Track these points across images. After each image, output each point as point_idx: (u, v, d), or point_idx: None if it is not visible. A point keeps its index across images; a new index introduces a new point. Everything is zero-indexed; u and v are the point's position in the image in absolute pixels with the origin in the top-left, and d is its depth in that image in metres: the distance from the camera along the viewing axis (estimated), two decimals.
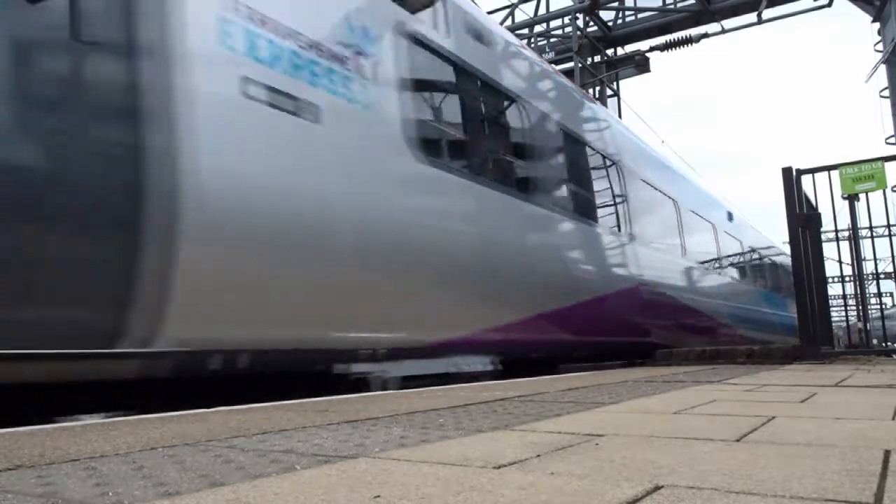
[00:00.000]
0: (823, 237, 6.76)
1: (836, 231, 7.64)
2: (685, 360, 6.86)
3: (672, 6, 14.87)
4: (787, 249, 14.35)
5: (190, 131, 3.05)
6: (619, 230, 7.52)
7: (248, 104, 3.33)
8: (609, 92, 15.81)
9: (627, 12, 15.60)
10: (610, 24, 15.74)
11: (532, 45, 14.90)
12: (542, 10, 15.62)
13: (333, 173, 3.83)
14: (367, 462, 1.41)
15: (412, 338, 4.46)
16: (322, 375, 3.83)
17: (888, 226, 6.68)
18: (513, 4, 15.54)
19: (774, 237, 16.57)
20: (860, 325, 7.01)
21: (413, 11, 4.75)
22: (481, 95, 5.62)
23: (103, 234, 2.80)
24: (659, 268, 8.44)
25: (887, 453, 1.40)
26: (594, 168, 7.38)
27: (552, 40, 15.36)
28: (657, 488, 1.11)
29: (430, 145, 4.75)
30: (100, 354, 2.83)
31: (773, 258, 15.13)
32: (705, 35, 14.32)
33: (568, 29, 14.79)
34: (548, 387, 3.59)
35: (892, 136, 15.14)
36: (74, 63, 2.81)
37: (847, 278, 7.07)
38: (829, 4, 13.34)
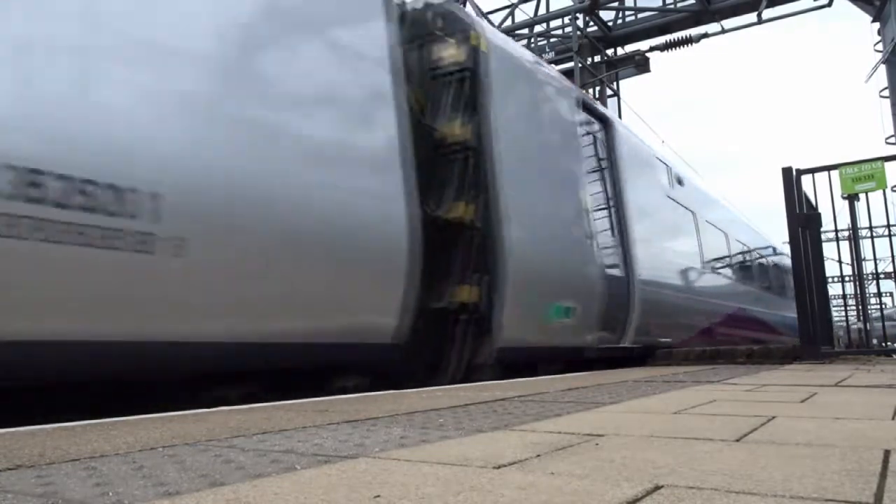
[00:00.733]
0: (823, 237, 6.76)
1: (836, 231, 7.64)
2: (685, 360, 6.86)
3: (672, 6, 14.87)
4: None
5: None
6: (731, 274, 11.68)
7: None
8: (609, 92, 15.80)
9: (627, 12, 15.60)
10: (610, 24, 15.73)
11: (532, 46, 14.90)
12: (542, 10, 15.61)
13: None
14: (367, 462, 1.41)
15: None
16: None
17: (888, 226, 6.68)
18: (513, 4, 15.53)
19: (775, 237, 16.63)
20: (860, 324, 7.01)
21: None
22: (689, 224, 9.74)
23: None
24: (741, 293, 11.80)
25: (887, 453, 1.40)
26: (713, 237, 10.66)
27: (552, 40, 15.36)
28: (657, 488, 1.11)
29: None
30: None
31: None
32: (705, 35, 14.31)
33: (568, 29, 14.78)
34: (548, 387, 3.59)
35: (892, 136, 15.14)
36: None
37: (847, 278, 7.07)
38: (829, 4, 13.34)
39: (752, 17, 13.72)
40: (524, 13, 15.65)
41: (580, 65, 14.36)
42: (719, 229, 10.98)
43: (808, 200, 6.81)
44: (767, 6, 13.37)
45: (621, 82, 16.18)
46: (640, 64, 15.39)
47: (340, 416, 2.33)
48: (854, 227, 6.75)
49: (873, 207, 6.57)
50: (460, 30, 5.35)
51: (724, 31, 14.33)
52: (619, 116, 14.84)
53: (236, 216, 3.30)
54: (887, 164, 6.40)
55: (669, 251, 8.55)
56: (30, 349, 2.72)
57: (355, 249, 3.95)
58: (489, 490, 1.12)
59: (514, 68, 5.88)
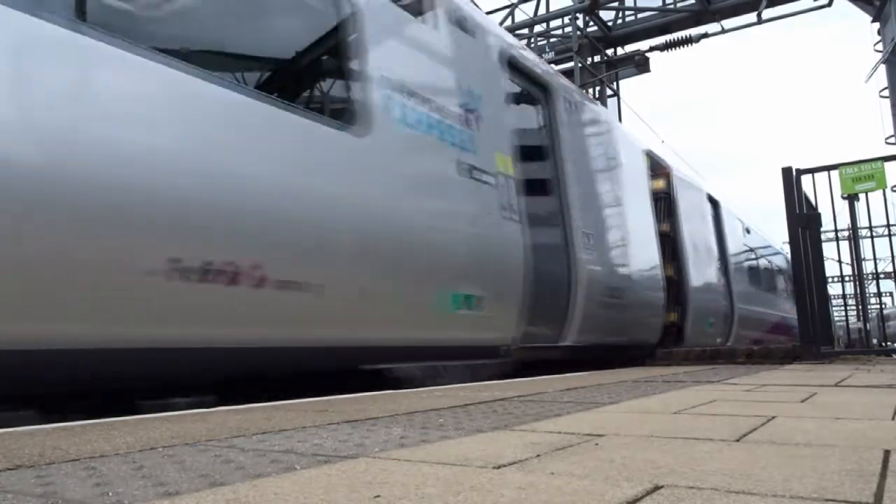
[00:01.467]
0: (823, 237, 6.76)
1: (836, 231, 7.64)
2: (685, 360, 6.87)
3: (672, 6, 14.87)
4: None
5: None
6: (775, 291, 15.67)
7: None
8: (609, 92, 15.81)
9: (627, 12, 15.60)
10: (610, 24, 15.73)
11: (532, 46, 14.90)
12: (542, 10, 15.62)
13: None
14: (367, 462, 1.41)
15: None
16: None
17: (888, 226, 6.68)
18: (513, 4, 15.53)
19: (775, 237, 16.83)
20: (860, 324, 7.01)
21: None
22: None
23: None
24: (778, 303, 15.33)
25: (887, 453, 1.40)
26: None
27: (552, 40, 15.36)
28: (657, 488, 1.11)
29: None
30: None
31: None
32: (705, 35, 14.32)
33: (568, 29, 14.79)
34: (547, 387, 3.60)
35: (891, 136, 15.14)
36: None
37: (847, 278, 7.07)
38: (829, 4, 13.34)
39: (752, 17, 13.72)
40: (524, 13, 15.66)
41: (580, 65, 14.36)
42: (767, 259, 15.36)
43: (808, 200, 6.81)
44: (767, 6, 13.37)
45: (621, 82, 16.18)
46: (640, 64, 15.39)
47: (340, 416, 2.33)
48: (854, 227, 6.75)
49: (873, 207, 6.58)
50: (664, 170, 9.53)
51: (724, 31, 14.34)
52: (619, 116, 14.83)
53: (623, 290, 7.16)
54: (887, 164, 6.40)
55: (747, 280, 12.92)
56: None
57: (651, 300, 7.97)
58: (489, 490, 1.12)
59: (687, 186, 10.19)
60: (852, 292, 7.01)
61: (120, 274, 2.85)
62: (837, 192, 6.49)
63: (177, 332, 3.10)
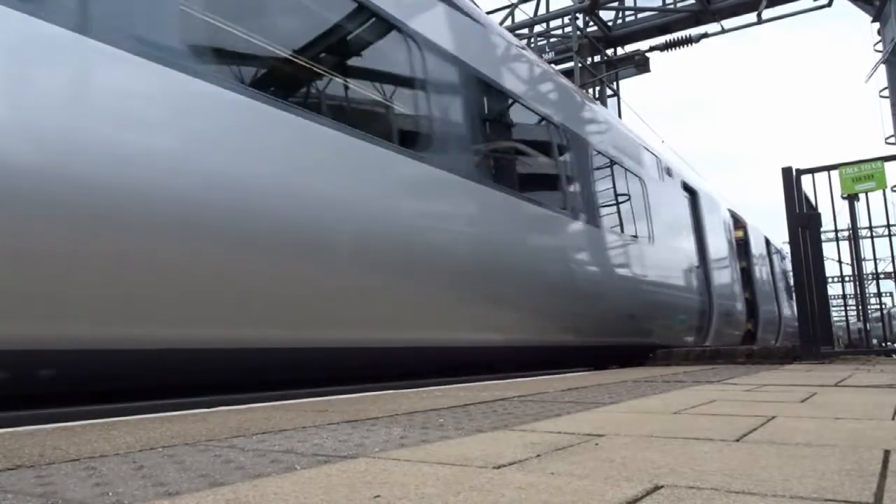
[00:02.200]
0: (823, 237, 6.76)
1: (836, 231, 7.64)
2: (685, 360, 6.86)
3: (672, 6, 14.87)
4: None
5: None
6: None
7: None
8: (609, 92, 15.80)
9: (627, 12, 15.60)
10: (610, 24, 15.73)
11: (532, 45, 14.90)
12: (542, 10, 15.62)
13: None
14: (367, 462, 1.41)
15: None
16: None
17: (888, 226, 6.68)
18: (513, 4, 15.53)
19: (775, 237, 17.01)
20: (860, 324, 7.01)
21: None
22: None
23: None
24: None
25: (887, 453, 1.40)
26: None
27: (552, 40, 15.36)
28: (657, 488, 1.11)
29: None
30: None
31: None
32: (705, 35, 14.32)
33: (568, 29, 14.79)
34: (548, 387, 3.60)
35: (891, 136, 15.15)
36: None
37: (847, 278, 7.07)
38: (829, 4, 13.34)
39: (752, 17, 13.73)
40: (524, 13, 15.65)
41: (580, 65, 14.36)
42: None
43: (807, 200, 6.81)
44: (767, 6, 13.37)
45: (621, 82, 16.18)
46: (640, 64, 15.39)
47: (340, 416, 2.33)
48: (854, 227, 6.75)
49: (873, 207, 6.58)
50: (741, 223, 13.02)
51: (724, 31, 14.34)
52: (619, 116, 14.83)
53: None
54: (887, 164, 6.40)
55: (786, 296, 16.61)
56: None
57: (739, 317, 11.70)
58: (489, 490, 1.12)
59: (754, 231, 13.84)
60: (852, 292, 7.01)
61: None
62: (837, 192, 6.50)
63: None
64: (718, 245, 10.93)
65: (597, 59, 15.57)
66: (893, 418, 1.99)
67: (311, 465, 1.39)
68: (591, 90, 14.92)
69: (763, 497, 1.04)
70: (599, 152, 7.29)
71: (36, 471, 1.38)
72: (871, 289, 12.41)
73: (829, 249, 7.15)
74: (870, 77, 14.85)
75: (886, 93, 14.19)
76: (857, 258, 6.86)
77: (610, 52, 15.93)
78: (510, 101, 5.87)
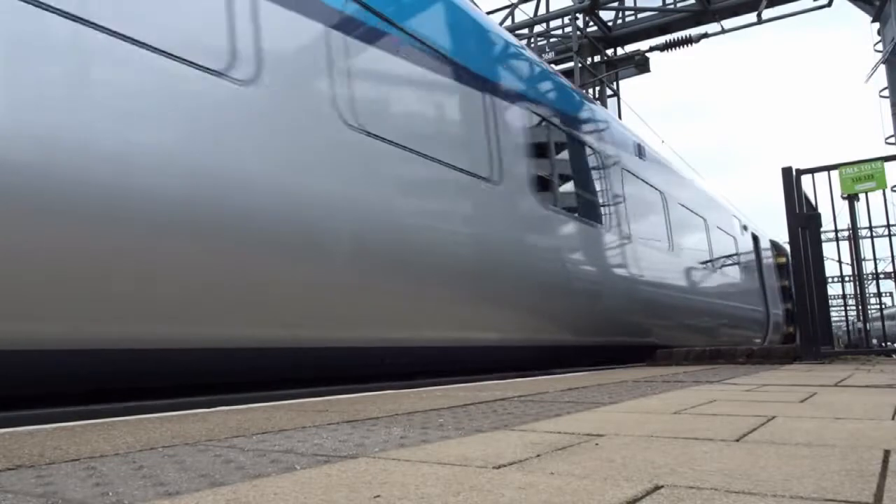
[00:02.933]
0: (823, 237, 6.76)
1: (836, 231, 7.65)
2: (685, 360, 6.86)
3: (672, 6, 14.87)
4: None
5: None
6: None
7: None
8: (609, 92, 15.80)
9: (627, 12, 15.60)
10: (610, 24, 15.73)
11: (532, 45, 14.89)
12: (542, 10, 15.61)
13: None
14: (367, 462, 1.41)
15: None
16: None
17: (888, 226, 6.68)
18: (513, 4, 15.53)
19: (775, 237, 17.06)
20: (860, 324, 7.00)
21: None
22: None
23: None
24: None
25: (887, 453, 1.40)
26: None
27: (552, 40, 15.36)
28: (657, 488, 1.11)
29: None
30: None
31: None
32: (705, 35, 14.32)
33: (568, 29, 14.78)
34: (548, 387, 3.60)
35: (891, 136, 15.15)
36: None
37: (847, 278, 7.07)
38: (829, 4, 13.34)
39: (752, 17, 13.72)
40: (524, 13, 15.65)
41: (580, 65, 14.36)
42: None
43: (807, 200, 6.81)
44: (767, 6, 13.37)
45: (621, 82, 16.17)
46: (640, 64, 15.39)
47: (340, 416, 2.33)
48: (854, 227, 6.75)
49: (873, 207, 6.58)
50: (782, 250, 15.44)
51: (724, 31, 14.34)
52: (619, 116, 14.82)
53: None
54: (887, 164, 6.40)
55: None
56: None
57: (783, 323, 15.61)
58: (489, 490, 1.12)
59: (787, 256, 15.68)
60: (852, 292, 7.01)
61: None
62: (837, 192, 6.50)
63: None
64: (768, 271, 15.29)
65: (597, 59, 15.57)
66: (893, 418, 1.99)
67: (311, 465, 1.39)
68: (591, 90, 14.92)
69: (763, 497, 1.04)
70: (720, 228, 11.91)
71: (36, 471, 1.38)
72: (871, 289, 12.41)
73: (829, 249, 7.16)
74: (870, 77, 14.85)
75: (886, 93, 14.19)
76: (857, 258, 6.86)
77: (610, 52, 15.92)
78: (642, 183, 8.69)
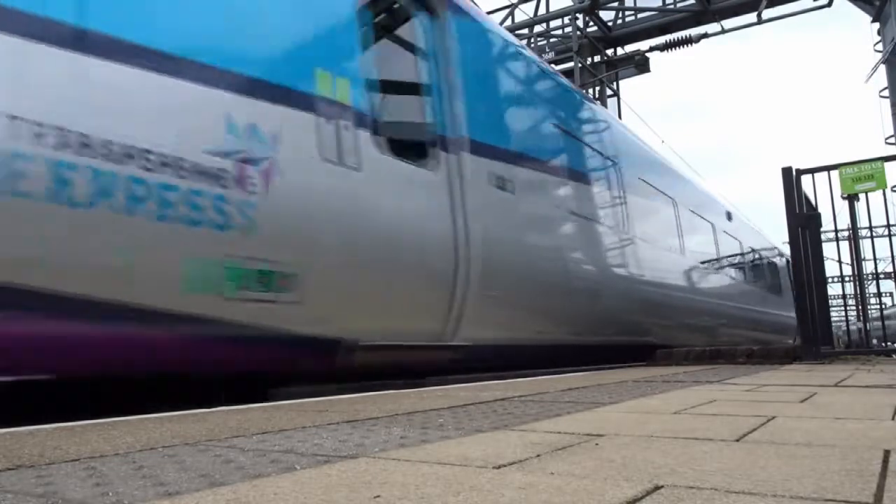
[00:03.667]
0: (823, 237, 6.75)
1: (836, 231, 7.65)
2: (685, 360, 6.86)
3: (672, 6, 14.86)
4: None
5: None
6: None
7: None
8: (609, 92, 15.80)
9: (627, 12, 15.59)
10: (610, 24, 15.73)
11: (532, 45, 14.89)
12: (542, 10, 15.61)
13: None
14: (367, 462, 1.41)
15: None
16: None
17: (888, 226, 6.67)
18: (513, 4, 15.53)
19: (774, 237, 17.35)
20: (860, 324, 7.00)
21: None
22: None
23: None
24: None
25: (887, 453, 1.40)
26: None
27: (552, 40, 15.35)
28: (657, 488, 1.11)
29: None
30: None
31: None
32: (705, 35, 14.31)
33: (568, 29, 14.78)
34: (548, 387, 3.59)
35: (891, 136, 15.15)
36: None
37: (847, 278, 7.07)
38: (829, 4, 13.33)
39: (752, 17, 13.72)
40: (524, 13, 15.65)
41: (580, 65, 14.35)
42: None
43: (807, 200, 6.80)
44: (767, 6, 13.36)
45: (621, 82, 16.17)
46: (640, 64, 15.38)
47: (340, 415, 2.33)
48: (854, 227, 6.75)
49: (873, 207, 6.57)
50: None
51: (724, 31, 14.33)
52: (619, 116, 14.82)
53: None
54: (887, 164, 6.40)
55: None
56: None
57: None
58: (489, 490, 1.12)
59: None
60: (852, 292, 7.01)
61: None
62: (837, 192, 6.49)
63: None
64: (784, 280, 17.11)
65: (597, 59, 15.56)
66: (893, 418, 1.99)
67: (311, 465, 1.39)
68: (591, 90, 14.91)
69: (763, 497, 1.04)
70: (756, 250, 14.67)
71: (36, 471, 1.38)
72: (872, 289, 12.41)
73: (829, 249, 7.15)
74: (870, 77, 14.85)
75: (886, 93, 14.19)
76: (857, 258, 6.86)
77: (610, 52, 15.92)
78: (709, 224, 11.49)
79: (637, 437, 1.69)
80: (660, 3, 15.07)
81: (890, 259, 6.88)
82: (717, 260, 11.31)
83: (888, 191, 6.65)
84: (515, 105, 5.98)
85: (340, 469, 1.33)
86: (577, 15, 14.72)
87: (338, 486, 1.17)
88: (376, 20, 4.53)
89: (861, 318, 6.87)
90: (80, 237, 2.71)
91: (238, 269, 3.20)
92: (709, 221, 11.18)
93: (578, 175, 6.70)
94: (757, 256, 14.58)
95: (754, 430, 1.79)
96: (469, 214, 4.68)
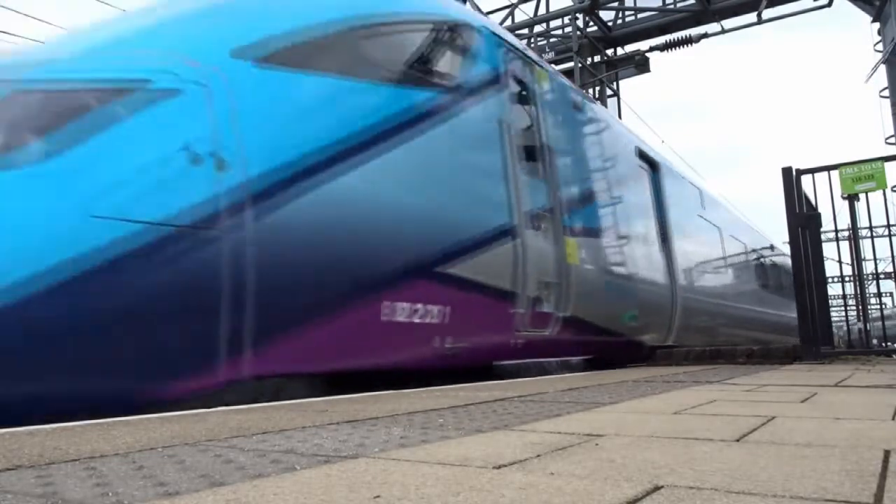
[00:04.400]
0: (823, 237, 6.75)
1: (836, 231, 7.64)
2: (685, 360, 6.86)
3: (672, 6, 14.85)
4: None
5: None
6: None
7: None
8: (609, 92, 15.79)
9: (627, 12, 15.58)
10: (610, 24, 15.72)
11: (532, 45, 14.88)
12: (542, 10, 15.60)
13: None
14: (367, 462, 1.41)
15: None
16: None
17: (888, 226, 6.67)
18: (513, 4, 15.53)
19: (774, 237, 17.34)
20: (860, 324, 7.00)
21: None
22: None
23: None
24: None
25: (887, 453, 1.40)
26: None
27: (552, 40, 15.35)
28: (657, 488, 1.11)
29: None
30: None
31: None
32: (705, 35, 14.30)
33: (568, 29, 14.77)
34: (548, 387, 3.59)
35: (892, 136, 15.14)
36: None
37: (847, 278, 7.07)
38: (829, 4, 13.33)
39: (752, 17, 13.71)
40: (524, 13, 15.64)
41: (580, 65, 14.35)
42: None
43: (808, 200, 6.80)
44: (767, 6, 13.36)
45: (621, 82, 16.16)
46: (640, 64, 15.37)
47: (340, 416, 2.33)
48: (854, 227, 6.75)
49: (873, 207, 6.57)
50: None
51: (724, 31, 14.32)
52: (619, 116, 14.82)
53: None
54: (887, 164, 6.39)
55: None
56: None
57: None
58: (489, 490, 1.12)
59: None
60: (852, 292, 7.01)
61: None
62: (837, 192, 6.49)
63: None
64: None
65: (597, 59, 15.56)
66: (893, 418, 1.99)
67: (312, 465, 1.39)
68: (591, 90, 14.91)
69: (763, 497, 1.04)
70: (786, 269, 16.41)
71: (36, 471, 1.38)
72: (872, 289, 12.41)
73: (829, 249, 7.15)
74: (870, 77, 14.84)
75: (886, 93, 14.18)
76: (857, 258, 6.86)
77: (610, 52, 15.91)
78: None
79: (637, 437, 1.69)
80: (660, 3, 15.06)
81: (890, 259, 6.88)
82: (748, 272, 13.42)
83: (888, 191, 6.65)
84: (685, 207, 9.55)
85: (341, 469, 1.33)
86: (577, 15, 14.70)
87: (338, 487, 1.17)
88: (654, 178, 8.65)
89: (861, 318, 6.87)
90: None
91: (633, 314, 6.92)
92: (742, 241, 13.10)
93: (717, 248, 10.89)
94: (772, 263, 15.81)
95: (754, 430, 1.79)
96: (676, 278, 8.20)
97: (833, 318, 8.70)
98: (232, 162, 3.07)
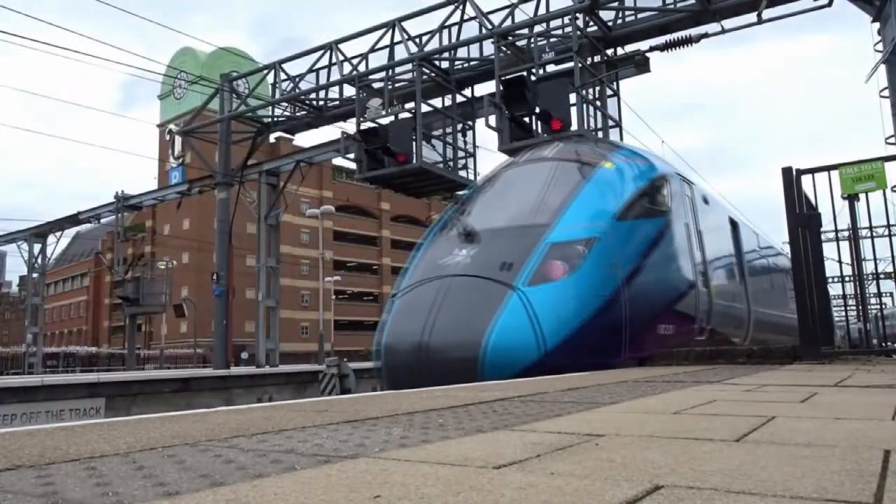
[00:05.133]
0: (823, 237, 6.75)
1: (836, 231, 7.63)
2: (685, 360, 6.86)
3: (672, 6, 14.85)
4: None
5: None
6: None
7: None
8: (609, 92, 15.79)
9: (627, 12, 15.58)
10: (610, 24, 15.72)
11: (532, 45, 14.88)
12: (542, 10, 15.60)
13: None
14: (367, 462, 1.41)
15: None
16: None
17: (888, 226, 6.67)
18: (513, 4, 15.53)
19: (775, 237, 18.03)
20: (860, 324, 7.00)
21: None
22: None
23: None
24: None
25: (887, 453, 1.40)
26: None
27: (552, 40, 15.35)
28: (657, 488, 1.11)
29: None
30: None
31: None
32: (705, 35, 14.28)
33: (568, 29, 14.77)
34: (548, 387, 3.59)
35: (892, 136, 15.14)
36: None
37: (847, 278, 7.07)
38: (829, 4, 13.33)
39: (752, 17, 13.71)
40: (524, 13, 15.64)
41: (580, 65, 14.35)
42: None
43: (807, 200, 6.80)
44: (767, 6, 13.35)
45: (621, 82, 16.16)
46: (640, 64, 15.37)
47: (340, 416, 2.33)
48: (854, 227, 6.74)
49: (873, 207, 6.57)
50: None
51: (724, 31, 14.31)
52: (619, 116, 14.81)
53: None
54: (887, 164, 6.39)
55: None
56: None
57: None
58: (489, 490, 1.12)
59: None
60: (852, 292, 7.00)
61: None
62: (837, 192, 6.49)
63: None
64: None
65: (597, 59, 15.55)
66: (893, 418, 1.99)
67: (312, 465, 1.39)
68: (591, 90, 14.90)
69: (763, 497, 1.04)
70: None
71: (36, 471, 1.38)
72: (872, 289, 12.41)
73: (829, 249, 7.14)
74: (870, 77, 14.84)
75: (886, 93, 14.18)
76: (857, 258, 6.85)
77: (610, 52, 15.91)
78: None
79: (637, 437, 1.69)
80: (660, 3, 15.06)
81: (890, 259, 6.88)
82: (786, 288, 15.27)
83: (888, 191, 6.65)
84: (750, 249, 12.61)
85: (341, 469, 1.33)
86: (577, 15, 14.70)
87: (338, 487, 1.17)
88: None
89: (861, 318, 6.87)
90: None
91: (734, 325, 10.64)
92: (780, 266, 15.56)
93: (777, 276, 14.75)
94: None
95: (754, 430, 1.79)
96: (749, 301, 11.15)
97: (833, 319, 8.72)
98: (622, 266, 7.33)
